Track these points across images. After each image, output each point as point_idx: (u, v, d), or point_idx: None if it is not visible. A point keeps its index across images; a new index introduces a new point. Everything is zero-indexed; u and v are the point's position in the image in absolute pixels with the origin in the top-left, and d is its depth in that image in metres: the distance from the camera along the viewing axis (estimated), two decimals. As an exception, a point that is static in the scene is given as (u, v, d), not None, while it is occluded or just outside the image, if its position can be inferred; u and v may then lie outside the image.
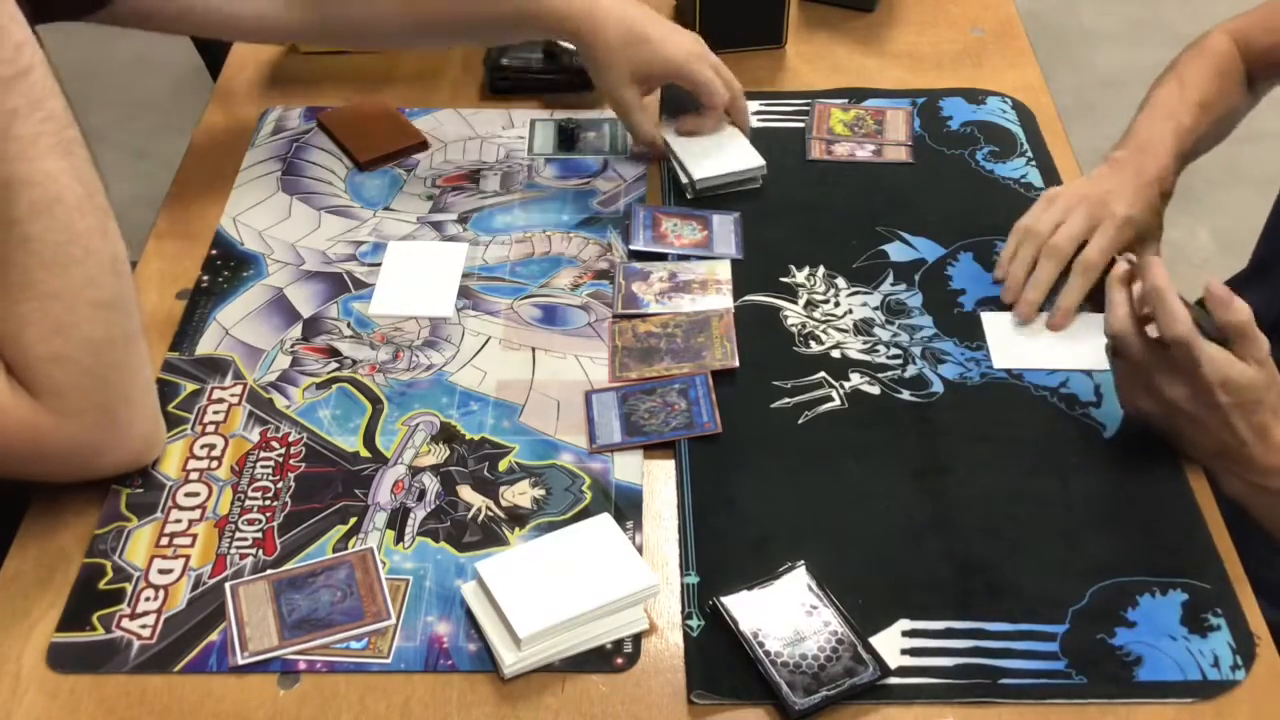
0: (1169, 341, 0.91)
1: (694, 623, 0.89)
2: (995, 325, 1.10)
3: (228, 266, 1.17)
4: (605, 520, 0.92)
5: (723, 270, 1.15)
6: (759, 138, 1.29)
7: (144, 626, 0.88)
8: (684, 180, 1.25)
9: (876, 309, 1.13)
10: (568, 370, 1.07)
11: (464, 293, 1.14)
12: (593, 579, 0.87)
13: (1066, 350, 1.07)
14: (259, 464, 0.99)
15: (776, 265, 1.17)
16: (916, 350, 1.09)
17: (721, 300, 1.12)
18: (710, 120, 1.26)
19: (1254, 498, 0.95)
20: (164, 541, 0.93)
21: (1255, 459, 0.92)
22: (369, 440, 1.01)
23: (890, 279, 1.16)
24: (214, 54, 1.64)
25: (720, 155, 1.26)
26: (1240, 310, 0.90)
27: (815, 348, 1.09)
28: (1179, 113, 1.18)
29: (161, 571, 0.92)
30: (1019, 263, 1.12)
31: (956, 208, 1.23)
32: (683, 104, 1.30)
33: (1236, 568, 0.92)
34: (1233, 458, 0.94)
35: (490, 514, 0.96)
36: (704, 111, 1.26)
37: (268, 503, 0.96)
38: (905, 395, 1.05)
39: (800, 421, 1.03)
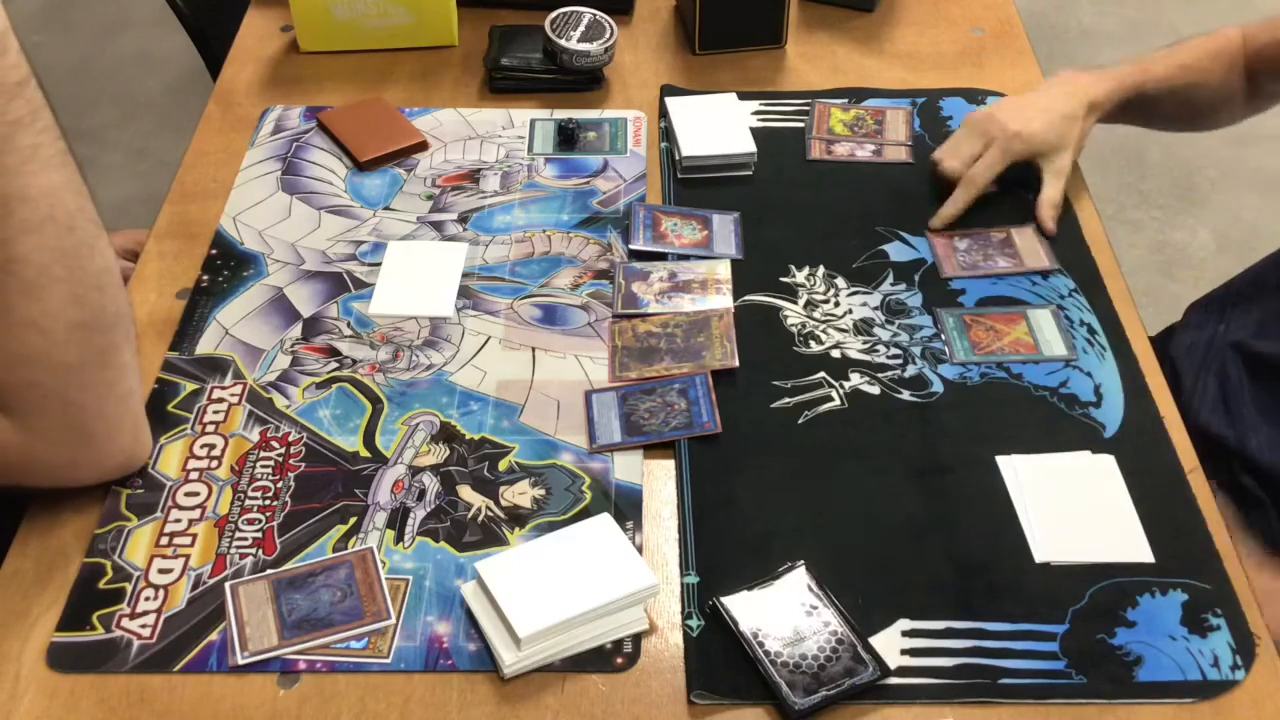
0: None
1: (694, 623, 0.89)
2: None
3: (228, 266, 1.17)
4: (605, 520, 0.92)
5: (723, 270, 1.15)
6: (759, 137, 1.29)
7: (144, 626, 0.88)
8: (675, 157, 1.27)
9: (876, 309, 1.13)
10: (568, 370, 1.07)
11: (464, 292, 1.14)
12: (593, 579, 0.87)
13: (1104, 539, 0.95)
14: (259, 464, 0.99)
15: (776, 265, 1.17)
16: (916, 350, 1.09)
17: (721, 300, 1.12)
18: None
19: None
20: (164, 541, 0.94)
21: None
22: (369, 440, 1.01)
23: (890, 279, 1.16)
24: (214, 54, 1.64)
25: (712, 137, 1.27)
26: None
27: (815, 348, 1.09)
28: (1154, 60, 1.26)
29: (161, 571, 0.92)
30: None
31: (956, 208, 1.23)
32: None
33: (1237, 568, 0.92)
34: None
35: (490, 514, 0.96)
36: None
37: (268, 502, 0.96)
38: (905, 395, 1.05)
39: (800, 421, 1.03)
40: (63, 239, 0.85)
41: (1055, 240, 1.19)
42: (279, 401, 1.04)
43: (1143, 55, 1.28)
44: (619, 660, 0.87)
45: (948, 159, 1.23)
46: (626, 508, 0.96)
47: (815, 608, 0.88)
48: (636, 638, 0.88)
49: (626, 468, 0.99)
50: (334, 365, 1.07)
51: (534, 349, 1.09)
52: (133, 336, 0.93)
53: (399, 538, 0.94)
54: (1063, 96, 1.22)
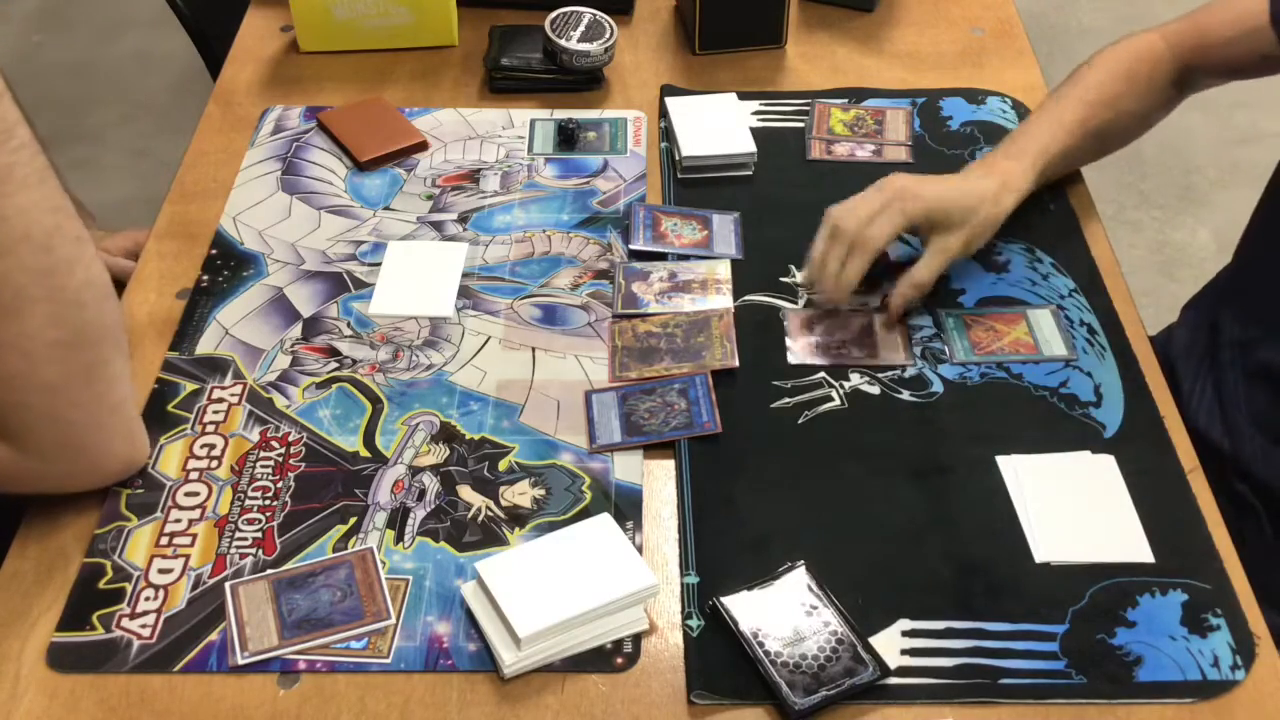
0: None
1: (694, 623, 0.89)
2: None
3: (228, 266, 1.17)
4: (605, 520, 0.92)
5: (723, 270, 1.15)
6: (759, 137, 1.29)
7: (144, 626, 0.88)
8: (675, 157, 1.27)
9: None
10: (568, 370, 1.07)
11: (464, 292, 1.14)
12: (593, 579, 0.87)
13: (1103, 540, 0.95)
14: (259, 464, 0.99)
15: (776, 265, 1.17)
16: (916, 350, 1.09)
17: (721, 300, 1.12)
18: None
19: None
20: (164, 541, 0.94)
21: None
22: (369, 440, 1.01)
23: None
24: (214, 54, 1.64)
25: (712, 137, 1.27)
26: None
27: (815, 348, 1.09)
28: (1063, 110, 1.18)
29: (161, 571, 0.92)
30: (833, 259, 1.08)
31: (956, 208, 1.23)
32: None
33: (1236, 568, 0.92)
34: None
35: (490, 514, 0.96)
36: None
37: (268, 502, 0.96)
38: (905, 395, 1.05)
39: (800, 421, 1.03)
40: (39, 259, 0.84)
41: (1054, 245, 1.19)
42: (279, 401, 1.04)
43: (1049, 106, 1.19)
44: (619, 660, 0.87)
45: (844, 219, 1.08)
46: (626, 508, 0.96)
47: (815, 608, 0.88)
48: (636, 638, 0.88)
49: (626, 468, 0.99)
50: (334, 365, 1.07)
51: (534, 349, 1.09)
52: (124, 345, 0.92)
53: (399, 538, 0.94)
54: (977, 177, 1.13)
